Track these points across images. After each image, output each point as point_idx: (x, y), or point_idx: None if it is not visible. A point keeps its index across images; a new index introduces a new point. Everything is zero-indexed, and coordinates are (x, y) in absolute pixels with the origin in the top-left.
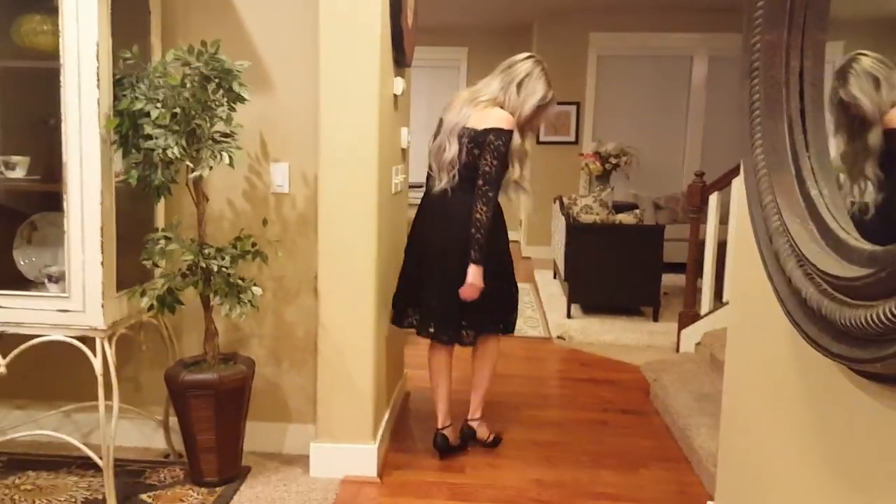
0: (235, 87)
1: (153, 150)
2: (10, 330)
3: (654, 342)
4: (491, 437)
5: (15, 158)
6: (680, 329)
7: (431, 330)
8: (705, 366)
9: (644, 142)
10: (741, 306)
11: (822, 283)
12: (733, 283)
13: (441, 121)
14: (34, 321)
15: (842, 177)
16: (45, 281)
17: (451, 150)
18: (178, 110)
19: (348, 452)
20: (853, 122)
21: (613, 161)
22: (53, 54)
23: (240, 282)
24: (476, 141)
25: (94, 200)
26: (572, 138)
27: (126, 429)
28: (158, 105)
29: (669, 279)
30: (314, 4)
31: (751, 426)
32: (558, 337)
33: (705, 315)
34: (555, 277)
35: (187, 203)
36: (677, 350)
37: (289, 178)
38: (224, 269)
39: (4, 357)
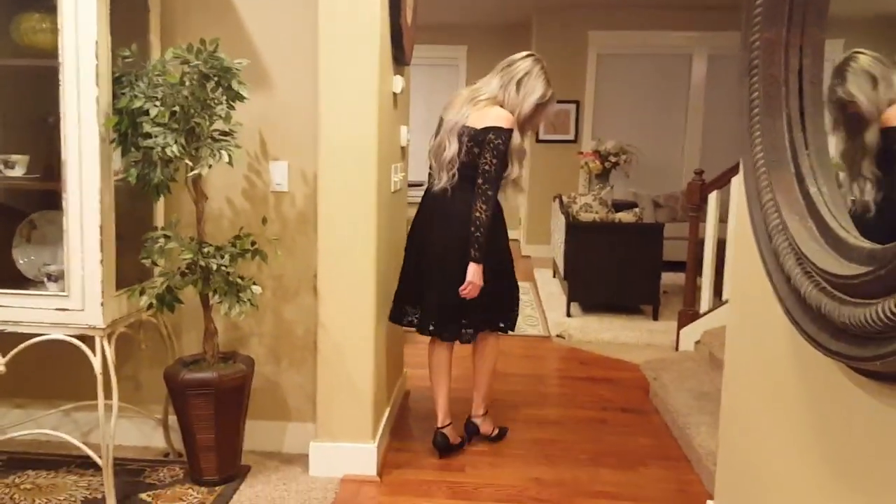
0: (234, 85)
1: (152, 148)
2: (10, 329)
3: (653, 341)
4: (495, 431)
5: (14, 157)
6: (679, 327)
7: (432, 328)
8: (705, 364)
9: (643, 140)
10: (740, 305)
11: (821, 282)
12: (733, 282)
13: (441, 120)
14: (33, 320)
15: (841, 175)
16: (45, 280)
17: (451, 148)
18: (177, 109)
19: (348, 451)
20: (851, 120)
21: (613, 159)
22: (52, 52)
23: (239, 280)
24: (476, 140)
25: (94, 199)
26: (572, 137)
27: (125, 428)
28: (157, 103)
29: (669, 277)
30: (313, 3)
31: (750, 425)
32: (558, 335)
33: (705, 313)
34: (554, 276)
35: (186, 201)
36: (677, 348)
37: (288, 177)
38: (223, 268)
39: (4, 356)
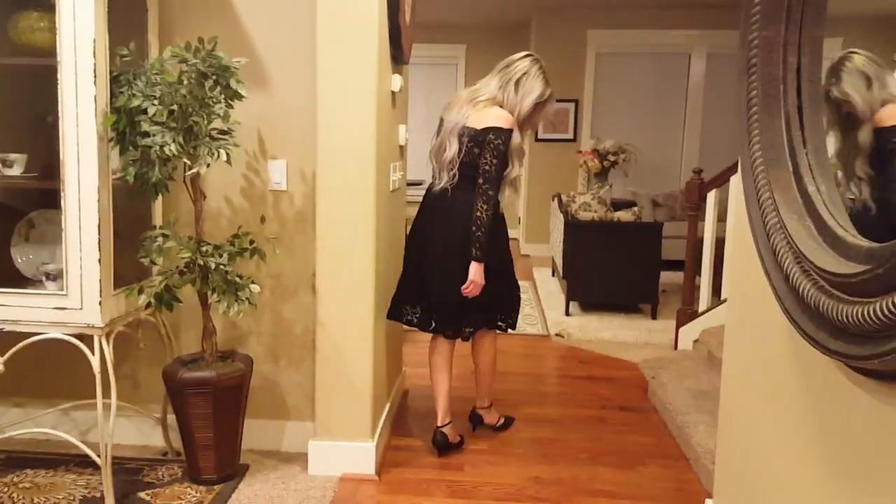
0: (233, 83)
1: (150, 147)
2: (8, 328)
3: (652, 339)
4: (501, 420)
5: (12, 156)
6: (678, 326)
7: (434, 325)
8: (703, 363)
9: (642, 139)
10: (739, 303)
11: (820, 280)
12: (731, 281)
13: (441, 121)
14: (32, 319)
15: (839, 174)
16: (43, 279)
17: (452, 149)
18: (175, 107)
19: (347, 450)
20: (845, 119)
21: (612, 158)
22: (50, 51)
23: (238, 279)
24: (476, 140)
25: (92, 198)
26: (570, 136)
27: (124, 427)
28: (155, 102)
29: (667, 276)
30: (312, 1)
31: (749, 423)
32: (556, 334)
33: (703, 312)
34: (553, 275)
35: (185, 200)
36: (675, 347)
37: (287, 176)
38: (222, 267)
39: (2, 355)
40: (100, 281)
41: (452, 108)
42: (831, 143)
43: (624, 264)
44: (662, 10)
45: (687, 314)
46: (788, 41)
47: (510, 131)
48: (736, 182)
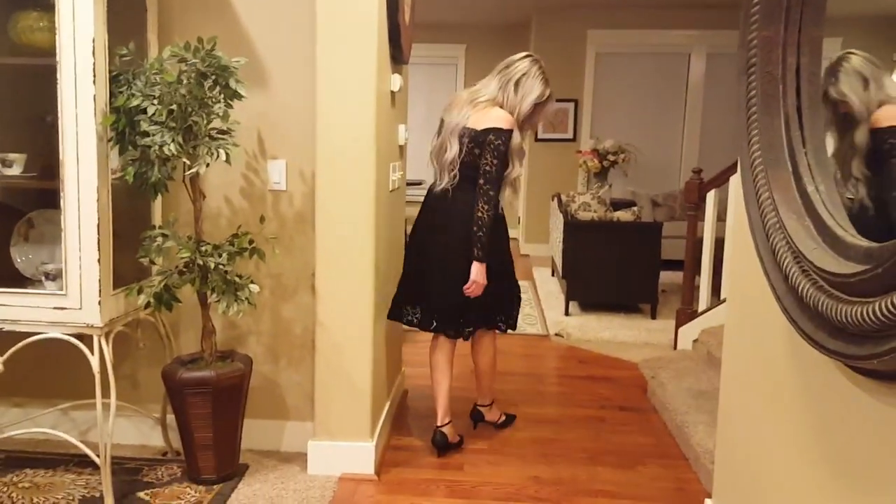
0: (232, 83)
1: (150, 146)
2: (7, 328)
3: (651, 339)
4: (502, 418)
5: (12, 156)
6: (677, 326)
7: (435, 324)
8: (703, 363)
9: (642, 139)
10: (739, 303)
11: (819, 280)
12: (731, 280)
13: (442, 121)
14: (31, 319)
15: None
16: (43, 278)
17: (452, 150)
18: (174, 107)
19: (346, 450)
20: (841, 120)
21: (611, 158)
22: (50, 51)
23: (237, 279)
24: (476, 141)
25: (91, 197)
26: (570, 136)
27: (123, 426)
28: (155, 102)
29: (667, 276)
30: (311, 1)
31: (748, 423)
32: (556, 334)
33: (703, 312)
34: (553, 275)
35: (184, 200)
36: (675, 347)
37: (286, 175)
38: (221, 267)
39: (2, 355)
40: (99, 281)
41: (453, 109)
42: (829, 144)
43: (623, 264)
44: (662, 10)
45: (686, 314)
46: (788, 41)
47: (510, 132)
48: (735, 182)
